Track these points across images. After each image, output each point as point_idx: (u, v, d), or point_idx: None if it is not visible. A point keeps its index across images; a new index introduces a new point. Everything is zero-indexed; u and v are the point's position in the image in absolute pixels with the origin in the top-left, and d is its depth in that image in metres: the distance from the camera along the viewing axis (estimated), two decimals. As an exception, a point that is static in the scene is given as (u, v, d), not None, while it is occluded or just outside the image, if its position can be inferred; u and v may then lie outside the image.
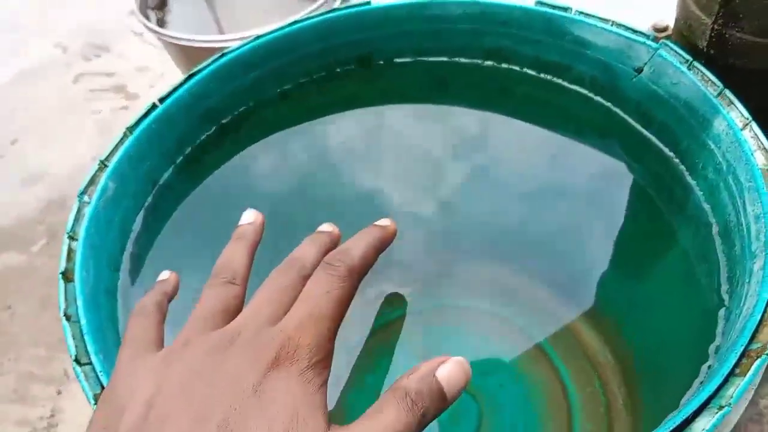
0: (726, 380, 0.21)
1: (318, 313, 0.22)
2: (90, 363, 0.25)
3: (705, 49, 0.31)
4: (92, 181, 0.31)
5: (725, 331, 0.25)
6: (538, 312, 0.35)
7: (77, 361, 0.25)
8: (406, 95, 0.40)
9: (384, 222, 0.28)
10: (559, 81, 0.36)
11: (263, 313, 0.22)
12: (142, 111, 0.33)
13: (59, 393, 0.57)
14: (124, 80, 0.88)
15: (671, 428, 0.20)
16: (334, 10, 0.36)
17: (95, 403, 0.24)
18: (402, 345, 0.33)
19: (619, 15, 0.33)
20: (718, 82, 0.29)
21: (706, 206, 0.30)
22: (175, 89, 0.34)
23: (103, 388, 0.24)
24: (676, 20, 0.34)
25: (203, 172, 0.36)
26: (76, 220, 0.30)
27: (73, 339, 0.26)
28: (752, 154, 0.27)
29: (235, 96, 0.37)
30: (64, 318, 0.26)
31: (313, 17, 0.36)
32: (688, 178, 0.31)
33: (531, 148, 0.38)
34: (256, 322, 0.22)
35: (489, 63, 0.38)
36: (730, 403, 0.20)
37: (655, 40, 0.32)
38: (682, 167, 0.31)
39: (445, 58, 0.38)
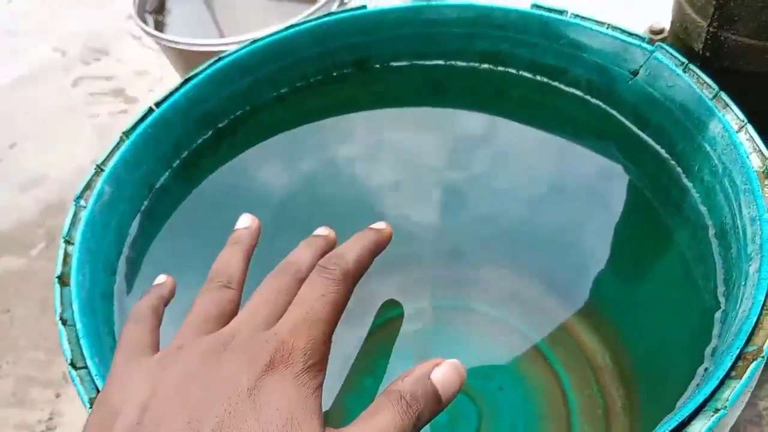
0: (722, 383, 0.21)
1: (313, 316, 0.22)
2: (86, 367, 0.25)
3: (700, 52, 0.31)
4: (88, 186, 0.31)
5: (721, 333, 0.25)
6: (536, 314, 0.35)
7: (73, 364, 0.25)
8: (402, 99, 0.40)
9: (379, 225, 0.28)
10: (556, 84, 0.36)
11: (258, 317, 0.22)
12: (139, 115, 0.33)
13: (58, 396, 0.57)
14: (123, 84, 0.88)
15: (667, 431, 0.20)
16: (330, 14, 0.37)
17: (91, 407, 0.24)
18: (399, 347, 0.33)
19: (615, 18, 0.33)
20: (714, 85, 0.29)
21: (703, 208, 0.30)
22: (171, 93, 0.34)
23: (98, 391, 0.24)
24: (672, 23, 0.34)
25: (200, 176, 0.36)
26: (73, 224, 0.30)
27: (69, 343, 0.26)
28: (748, 157, 0.27)
29: (231, 100, 0.37)
30: (60, 322, 0.26)
31: (309, 21, 0.36)
32: (685, 181, 0.31)
33: (527, 151, 0.38)
34: (251, 325, 0.22)
35: (485, 66, 0.38)
36: (725, 406, 0.20)
37: (651, 42, 0.32)
38: (679, 169, 0.31)
39: (441, 62, 0.38)
